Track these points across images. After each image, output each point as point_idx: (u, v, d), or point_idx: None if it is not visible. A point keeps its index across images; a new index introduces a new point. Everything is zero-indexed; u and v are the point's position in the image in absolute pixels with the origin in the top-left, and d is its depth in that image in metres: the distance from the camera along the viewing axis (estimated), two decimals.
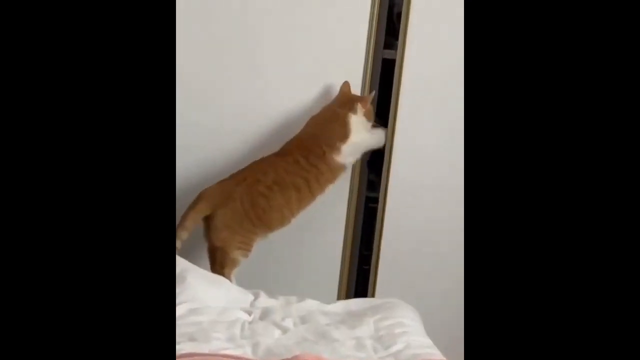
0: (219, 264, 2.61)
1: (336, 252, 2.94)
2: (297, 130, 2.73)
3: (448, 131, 2.79)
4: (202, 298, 2.24)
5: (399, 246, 2.93)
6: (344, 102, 2.72)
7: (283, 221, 2.67)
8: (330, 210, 2.88)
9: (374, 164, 2.97)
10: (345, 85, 2.73)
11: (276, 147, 2.72)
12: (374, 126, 2.80)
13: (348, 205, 2.92)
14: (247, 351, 1.91)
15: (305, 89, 2.82)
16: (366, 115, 2.72)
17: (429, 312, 2.49)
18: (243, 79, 2.82)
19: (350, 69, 2.80)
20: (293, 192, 2.63)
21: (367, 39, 2.78)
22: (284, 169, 2.64)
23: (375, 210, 2.98)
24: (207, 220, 2.62)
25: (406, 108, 2.82)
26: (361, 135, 2.72)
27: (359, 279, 3.10)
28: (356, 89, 2.79)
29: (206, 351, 1.80)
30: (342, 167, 2.70)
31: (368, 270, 3.02)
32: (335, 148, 2.67)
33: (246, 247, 2.64)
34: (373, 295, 2.93)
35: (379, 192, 2.93)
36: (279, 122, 2.83)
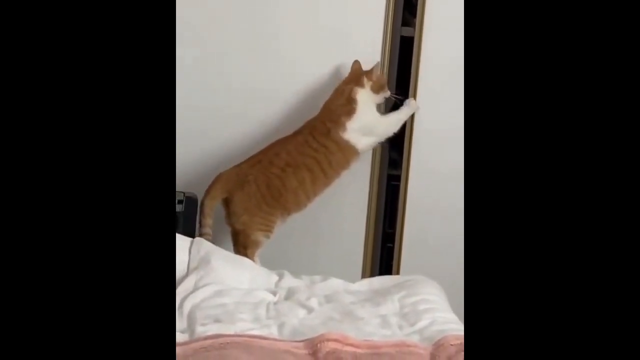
0: (241, 246, 2.62)
1: (359, 231, 2.94)
2: (313, 111, 2.73)
3: None
4: (227, 280, 2.25)
5: (423, 224, 2.93)
6: (352, 78, 2.70)
7: (299, 203, 2.67)
8: (352, 189, 2.88)
9: (395, 142, 2.97)
10: (356, 63, 2.70)
11: (293, 129, 2.72)
12: (393, 97, 2.77)
13: (370, 184, 2.92)
14: (273, 331, 1.93)
15: (321, 69, 2.81)
16: (374, 87, 2.69)
17: (453, 288, 2.49)
18: (258, 61, 2.82)
19: (367, 47, 2.78)
20: (306, 173, 2.63)
21: (385, 16, 2.76)
22: (295, 148, 2.64)
23: (397, 188, 2.98)
24: (226, 204, 2.63)
25: (426, 87, 2.80)
26: (368, 109, 2.68)
27: (383, 257, 3.11)
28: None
29: (232, 332, 1.82)
30: (352, 148, 2.66)
31: (392, 248, 3.02)
32: (339, 123, 2.64)
33: (267, 229, 2.65)
34: (397, 273, 2.93)
35: (401, 169, 2.93)
36: (295, 103, 2.83)
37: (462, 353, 1.76)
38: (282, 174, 2.61)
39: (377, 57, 2.78)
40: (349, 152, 2.66)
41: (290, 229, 2.81)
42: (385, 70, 2.81)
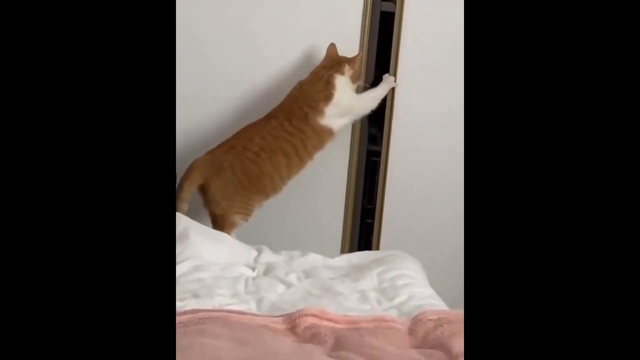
0: (219, 227, 2.61)
1: (339, 207, 2.94)
2: (286, 93, 2.70)
3: (450, 85, 2.77)
4: (205, 255, 2.25)
5: (402, 199, 2.94)
6: (330, 63, 2.67)
7: (276, 187, 2.65)
8: (331, 165, 2.88)
9: (375, 118, 2.96)
10: (332, 47, 2.68)
11: (266, 112, 2.69)
12: (365, 87, 2.76)
13: (350, 159, 2.91)
14: (251, 306, 1.93)
15: (298, 48, 2.78)
16: (354, 76, 2.67)
17: (432, 264, 2.50)
18: (233, 39, 2.79)
19: (347, 23, 2.77)
20: (282, 158, 2.61)
21: None
22: (269, 133, 2.61)
23: (377, 163, 2.98)
24: (203, 191, 2.61)
25: (406, 63, 2.79)
26: (347, 96, 2.66)
27: (362, 232, 3.11)
28: (354, 44, 2.76)
29: (210, 307, 1.82)
30: (329, 131, 2.64)
31: (371, 224, 3.03)
32: (317, 109, 2.62)
33: (246, 212, 2.63)
34: (377, 249, 2.94)
35: (380, 145, 2.92)
36: (271, 84, 2.81)
37: (440, 328, 1.76)
38: (257, 159, 2.59)
39: (356, 33, 2.76)
40: (325, 135, 2.64)
41: (269, 205, 2.80)
42: (365, 46, 2.79)
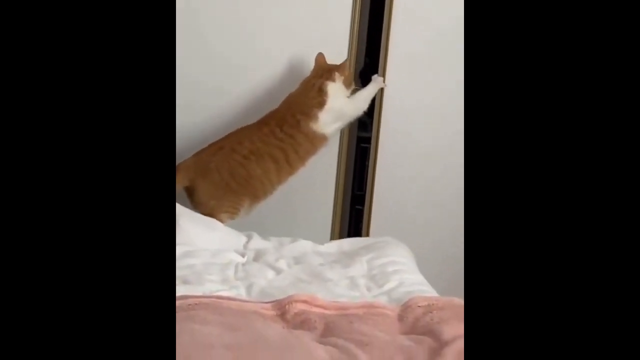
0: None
1: (329, 193, 2.94)
2: (278, 96, 2.70)
3: (440, 73, 2.77)
4: (195, 241, 2.25)
5: (392, 186, 2.94)
6: (320, 72, 2.67)
7: (265, 191, 2.63)
8: (322, 151, 2.87)
9: None
10: (320, 56, 2.68)
11: (256, 117, 2.68)
12: (354, 90, 2.76)
13: (340, 146, 2.91)
14: (241, 292, 1.93)
15: (287, 51, 2.79)
16: (345, 82, 2.67)
17: (422, 251, 2.51)
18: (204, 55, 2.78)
19: (337, 11, 2.76)
20: (271, 164, 2.59)
21: None
22: (259, 139, 2.59)
23: (367, 150, 2.98)
24: (189, 193, 2.59)
25: (397, 50, 2.79)
26: (339, 100, 2.66)
27: (352, 219, 3.11)
28: (344, 26, 2.75)
29: (200, 293, 1.81)
30: (322, 137, 2.64)
31: (361, 211, 3.03)
32: (311, 116, 2.61)
33: (234, 212, 2.61)
34: (367, 236, 2.95)
35: (370, 132, 2.92)
36: (261, 90, 2.80)
37: (430, 314, 1.77)
38: (245, 162, 2.57)
39: (346, 19, 2.75)
40: (318, 141, 2.64)
41: None
42: (355, 34, 2.78)
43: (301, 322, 1.71)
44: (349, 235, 3.01)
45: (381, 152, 2.90)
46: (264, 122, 2.64)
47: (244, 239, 2.39)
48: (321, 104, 2.62)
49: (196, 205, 2.58)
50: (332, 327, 1.70)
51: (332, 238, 2.91)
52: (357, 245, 2.36)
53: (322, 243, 2.41)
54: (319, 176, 2.93)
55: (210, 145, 2.61)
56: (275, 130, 2.60)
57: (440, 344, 1.63)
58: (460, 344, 1.63)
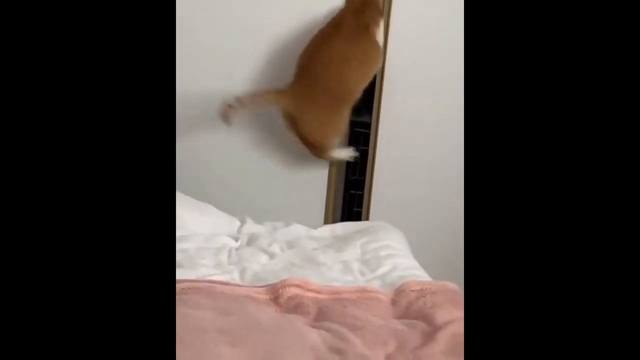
0: (317, 152, 2.65)
1: (322, 177, 2.94)
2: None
3: (442, 56, 2.76)
4: (189, 225, 2.24)
5: (390, 171, 2.93)
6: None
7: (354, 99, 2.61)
8: None
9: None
10: None
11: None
12: None
13: None
14: (234, 277, 1.93)
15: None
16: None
17: (416, 235, 2.51)
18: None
19: None
20: (352, 64, 2.55)
21: None
22: (335, 46, 2.54)
23: (360, 134, 2.97)
24: (292, 122, 2.57)
25: (397, 31, 2.78)
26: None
27: (345, 203, 3.11)
28: None
29: (193, 277, 1.82)
30: (379, 50, 2.62)
31: (354, 195, 3.03)
32: (376, 23, 2.58)
33: (341, 130, 2.64)
34: (367, 220, 2.93)
35: (365, 116, 2.91)
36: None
37: (423, 299, 1.77)
38: (330, 71, 2.53)
39: None
40: (377, 52, 2.62)
41: (253, 175, 2.80)
42: None
43: (294, 307, 1.72)
44: (343, 219, 3.00)
45: (381, 136, 2.89)
46: (332, 32, 2.58)
47: (237, 223, 2.39)
48: (381, 14, 2.61)
49: (302, 136, 2.59)
50: (326, 311, 1.70)
51: (326, 222, 2.91)
52: (350, 230, 2.36)
53: (315, 227, 2.41)
54: (313, 160, 2.92)
55: (296, 74, 2.57)
56: (349, 33, 2.55)
57: (434, 329, 1.64)
58: (453, 328, 1.63)
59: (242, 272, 1.96)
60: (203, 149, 2.79)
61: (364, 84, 2.62)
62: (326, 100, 2.54)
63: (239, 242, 2.21)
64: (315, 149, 2.63)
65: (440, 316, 1.68)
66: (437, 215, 2.90)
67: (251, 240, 2.22)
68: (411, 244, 2.40)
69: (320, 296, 1.77)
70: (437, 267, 2.27)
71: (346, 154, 2.72)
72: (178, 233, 2.16)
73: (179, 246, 2.07)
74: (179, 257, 1.99)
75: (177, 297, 1.65)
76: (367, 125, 2.93)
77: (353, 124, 2.99)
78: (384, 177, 2.93)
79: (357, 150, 2.89)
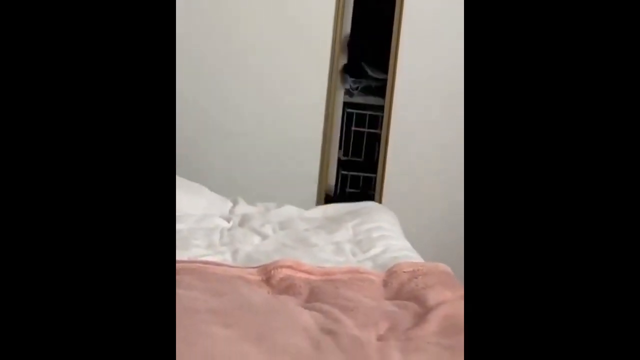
0: None
1: (314, 158, 2.93)
2: None
3: (453, 40, 2.76)
4: (181, 206, 2.23)
5: (404, 153, 2.92)
6: None
7: None
8: (308, 116, 2.87)
9: (352, 69, 2.94)
10: None
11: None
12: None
13: (326, 111, 2.90)
14: (226, 257, 1.93)
15: None
16: None
17: (413, 217, 2.52)
18: None
19: None
20: None
21: None
22: None
23: (352, 115, 2.97)
24: None
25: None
26: None
27: (337, 184, 3.12)
28: None
29: (185, 258, 1.81)
30: None
31: (347, 176, 3.03)
32: None
33: None
34: (380, 202, 2.92)
35: (383, 98, 2.90)
36: None
37: (415, 280, 1.78)
38: None
39: None
40: None
41: (245, 156, 2.80)
42: None
43: (286, 288, 1.72)
44: (335, 201, 3.01)
45: (394, 120, 2.88)
46: None
47: (229, 204, 2.38)
48: None
49: None
50: (317, 292, 1.70)
51: (318, 204, 2.91)
52: (342, 211, 2.36)
53: (307, 208, 2.41)
54: (305, 141, 2.92)
55: None
56: None
57: (425, 310, 1.64)
58: (445, 310, 1.64)
59: (234, 253, 1.96)
60: (195, 130, 2.79)
61: None
62: None
63: (231, 223, 2.21)
64: None
65: (432, 297, 1.69)
66: (444, 200, 2.90)
67: (243, 221, 2.21)
68: (417, 227, 2.40)
69: (312, 277, 1.77)
70: (430, 248, 2.28)
71: None
72: None
73: None
74: None
75: None
76: (381, 108, 2.92)
77: (345, 105, 3.00)
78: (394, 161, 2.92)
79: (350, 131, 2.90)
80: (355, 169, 3.18)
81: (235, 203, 2.38)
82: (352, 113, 3.03)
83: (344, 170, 3.12)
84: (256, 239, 2.08)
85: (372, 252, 2.02)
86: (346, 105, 3.05)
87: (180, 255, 1.85)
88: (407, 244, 2.13)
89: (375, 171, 2.98)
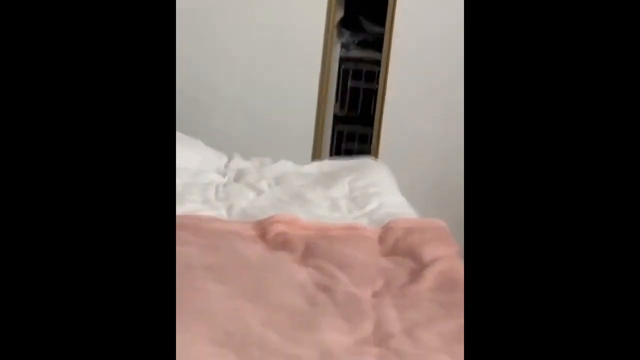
0: None
1: (310, 113, 2.92)
2: None
3: None
4: (176, 161, 2.22)
5: (399, 109, 2.90)
6: None
7: None
8: (303, 71, 2.84)
9: (349, 23, 2.91)
10: None
11: None
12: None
13: (322, 66, 2.87)
14: (221, 213, 1.92)
15: None
16: None
17: (413, 172, 2.51)
18: None
19: None
20: None
21: None
22: None
23: (347, 71, 2.95)
24: None
25: None
26: None
27: (333, 140, 3.11)
28: None
29: (180, 213, 1.80)
30: None
31: (342, 131, 3.02)
32: None
33: None
34: (376, 157, 2.91)
35: (381, 52, 2.87)
36: None
37: (410, 236, 1.78)
38: None
39: None
40: None
41: (240, 111, 2.78)
42: None
43: (282, 243, 1.71)
44: (331, 156, 3.00)
45: (391, 73, 2.85)
46: None
47: (225, 159, 2.37)
48: None
49: None
50: (313, 248, 1.70)
51: (314, 159, 2.90)
52: (338, 167, 2.34)
53: (303, 164, 2.39)
54: (301, 96, 2.90)
55: None
56: None
57: (421, 266, 1.64)
58: (441, 265, 1.64)
59: (230, 208, 1.95)
60: (189, 85, 2.76)
61: None
62: None
63: (226, 178, 2.20)
64: None
65: (428, 253, 1.69)
66: (441, 155, 2.89)
67: (239, 176, 2.20)
68: (413, 182, 2.39)
69: (307, 233, 1.77)
70: (425, 203, 2.27)
71: None
72: None
73: None
74: None
75: None
76: (378, 63, 2.89)
77: (342, 60, 2.97)
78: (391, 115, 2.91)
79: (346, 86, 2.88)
80: (351, 124, 3.17)
81: (230, 158, 2.37)
82: (349, 68, 3.01)
83: (340, 125, 3.10)
84: (251, 195, 2.07)
85: (368, 208, 2.01)
86: (342, 60, 3.02)
87: (175, 210, 1.84)
88: (403, 200, 2.12)
89: (371, 126, 2.96)
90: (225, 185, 2.14)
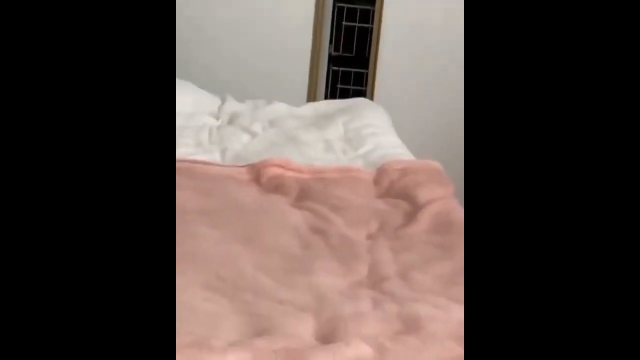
0: None
1: (304, 53, 2.88)
2: None
3: None
4: None
5: (393, 50, 2.87)
6: None
7: None
8: (298, 11, 2.80)
9: None
10: None
11: None
12: None
13: (316, 5, 2.83)
14: (215, 156, 1.90)
15: None
16: None
17: (408, 112, 2.49)
18: None
19: None
20: None
21: None
22: None
23: (342, 10, 2.90)
24: None
25: None
26: None
27: (328, 81, 3.07)
28: None
29: None
30: None
31: (337, 72, 2.98)
32: None
33: None
34: (372, 98, 2.88)
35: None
36: None
37: (405, 178, 1.76)
38: None
39: None
40: None
41: (233, 52, 2.75)
42: None
43: (275, 187, 1.70)
44: (326, 97, 2.97)
45: (385, 16, 2.81)
46: None
47: (218, 101, 2.34)
48: None
49: None
50: (307, 190, 1.69)
51: (308, 100, 2.87)
52: (333, 108, 2.32)
53: (297, 105, 2.37)
54: (295, 37, 2.86)
55: None
56: None
57: (416, 207, 1.63)
58: (436, 207, 1.63)
59: (223, 151, 1.93)
60: (181, 27, 2.72)
61: None
62: None
63: (219, 121, 2.18)
64: None
65: (423, 195, 1.67)
66: (437, 96, 2.87)
67: (232, 119, 2.18)
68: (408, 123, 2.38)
69: (301, 176, 1.75)
70: (419, 143, 2.26)
71: None
72: None
73: None
74: None
75: None
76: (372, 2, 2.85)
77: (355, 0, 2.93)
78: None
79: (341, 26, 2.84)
80: (346, 64, 3.13)
81: (224, 100, 2.34)
82: (343, 7, 2.96)
83: (334, 66, 3.07)
84: (245, 137, 2.05)
85: (363, 149, 2.00)
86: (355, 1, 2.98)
87: None
88: (398, 141, 2.11)
89: (366, 67, 2.93)
90: (218, 128, 2.12)
